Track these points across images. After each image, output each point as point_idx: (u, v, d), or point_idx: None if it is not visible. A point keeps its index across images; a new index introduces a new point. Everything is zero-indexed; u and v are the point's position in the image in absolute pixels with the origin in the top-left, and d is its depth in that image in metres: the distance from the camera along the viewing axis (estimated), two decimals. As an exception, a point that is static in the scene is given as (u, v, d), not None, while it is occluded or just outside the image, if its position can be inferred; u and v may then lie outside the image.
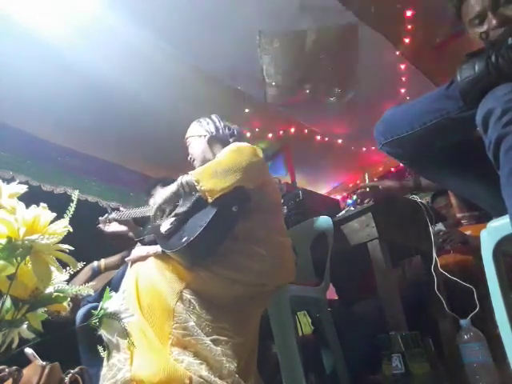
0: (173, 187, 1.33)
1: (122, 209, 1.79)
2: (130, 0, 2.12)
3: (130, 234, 1.74)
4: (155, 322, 1.15)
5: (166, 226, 1.38)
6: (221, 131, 1.69)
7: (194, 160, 1.70)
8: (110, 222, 1.77)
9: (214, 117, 1.75)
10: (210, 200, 1.22)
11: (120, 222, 1.76)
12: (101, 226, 1.77)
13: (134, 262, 1.35)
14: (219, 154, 1.49)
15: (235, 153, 1.37)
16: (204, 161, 1.61)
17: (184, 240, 1.22)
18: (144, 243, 1.52)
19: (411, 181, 1.81)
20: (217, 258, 1.27)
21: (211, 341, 1.16)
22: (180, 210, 1.36)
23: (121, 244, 1.83)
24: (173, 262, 1.27)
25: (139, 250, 1.36)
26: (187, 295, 1.20)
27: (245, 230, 1.34)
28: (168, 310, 1.16)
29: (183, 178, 1.31)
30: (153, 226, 1.47)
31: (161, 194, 1.34)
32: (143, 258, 1.32)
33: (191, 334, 1.14)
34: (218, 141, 1.66)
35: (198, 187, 1.24)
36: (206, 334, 1.16)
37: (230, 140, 1.66)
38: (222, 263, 1.26)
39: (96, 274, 1.94)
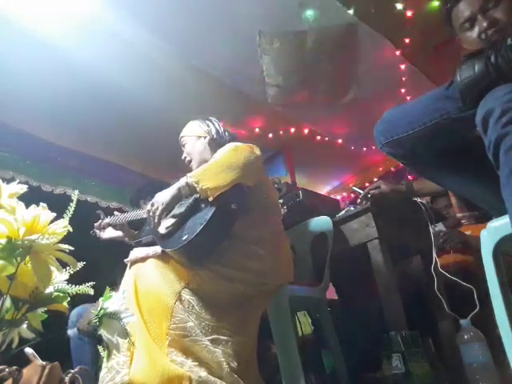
0: (172, 190, 1.32)
1: (116, 213, 1.76)
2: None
3: (126, 239, 1.71)
4: (154, 323, 1.15)
5: (164, 226, 1.37)
6: (221, 135, 1.68)
7: (190, 160, 1.68)
8: (104, 228, 1.75)
9: (214, 120, 1.73)
10: (211, 198, 1.23)
11: (114, 226, 1.73)
12: (96, 231, 1.75)
13: (132, 263, 1.34)
14: (216, 154, 1.50)
15: (233, 151, 1.38)
16: (202, 162, 1.61)
17: (185, 238, 1.22)
18: (142, 245, 1.51)
19: (404, 185, 1.81)
20: (216, 257, 1.27)
21: (211, 340, 1.15)
22: (178, 210, 1.36)
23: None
24: (172, 262, 1.27)
25: (138, 252, 1.35)
26: (186, 295, 1.20)
27: (243, 228, 1.34)
28: (166, 311, 1.16)
29: (182, 181, 1.30)
30: (150, 228, 1.46)
31: (160, 199, 1.33)
32: (142, 259, 1.31)
33: (189, 334, 1.13)
34: (217, 144, 1.64)
35: (198, 187, 1.24)
36: (206, 334, 1.16)
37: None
38: (220, 262, 1.27)
39: None
